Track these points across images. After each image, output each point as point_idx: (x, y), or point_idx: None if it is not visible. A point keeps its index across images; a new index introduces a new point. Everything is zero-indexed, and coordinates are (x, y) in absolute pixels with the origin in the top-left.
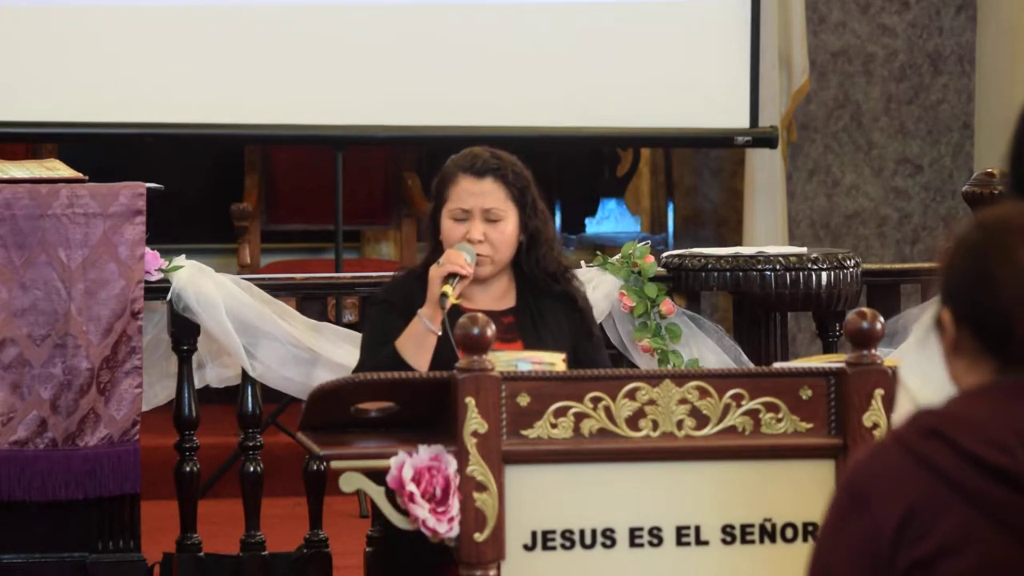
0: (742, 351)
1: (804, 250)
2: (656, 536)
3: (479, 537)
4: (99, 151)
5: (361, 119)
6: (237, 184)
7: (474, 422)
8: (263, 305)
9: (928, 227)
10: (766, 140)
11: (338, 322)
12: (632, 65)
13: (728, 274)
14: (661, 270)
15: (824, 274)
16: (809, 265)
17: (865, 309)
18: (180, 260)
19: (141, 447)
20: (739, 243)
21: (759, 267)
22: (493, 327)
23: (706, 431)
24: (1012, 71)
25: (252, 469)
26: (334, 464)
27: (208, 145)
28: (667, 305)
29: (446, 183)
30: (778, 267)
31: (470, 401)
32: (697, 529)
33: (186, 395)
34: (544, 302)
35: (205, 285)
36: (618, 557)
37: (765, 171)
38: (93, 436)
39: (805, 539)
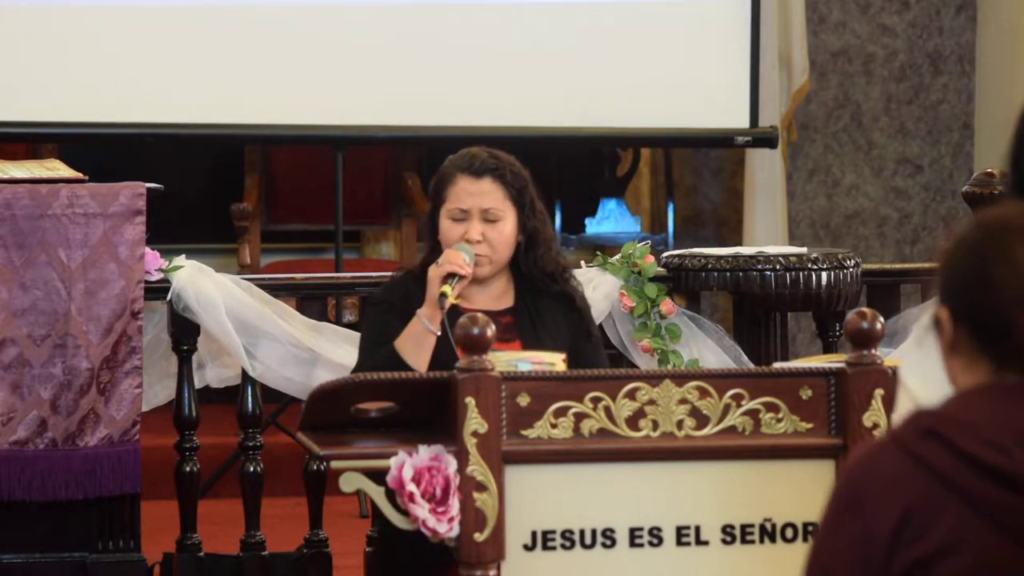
0: (742, 351)
1: (804, 250)
2: (656, 536)
3: (479, 537)
4: (99, 151)
5: (361, 119)
6: (237, 184)
7: (474, 422)
8: (263, 305)
9: (928, 227)
10: (766, 140)
11: (338, 322)
12: (632, 65)
13: (728, 274)
14: (661, 270)
15: (824, 274)
16: (809, 265)
17: (865, 309)
18: (180, 260)
19: (141, 447)
20: (739, 243)
21: (759, 267)
22: (493, 327)
23: (706, 431)
24: (1012, 71)
25: (252, 469)
26: (334, 464)
27: (208, 145)
28: (667, 305)
29: (444, 183)
30: (778, 267)
31: (470, 401)
32: (697, 529)
33: (186, 395)
34: (542, 302)
35: (205, 285)
36: (618, 557)
37: (765, 171)
38: (93, 436)
39: (805, 539)
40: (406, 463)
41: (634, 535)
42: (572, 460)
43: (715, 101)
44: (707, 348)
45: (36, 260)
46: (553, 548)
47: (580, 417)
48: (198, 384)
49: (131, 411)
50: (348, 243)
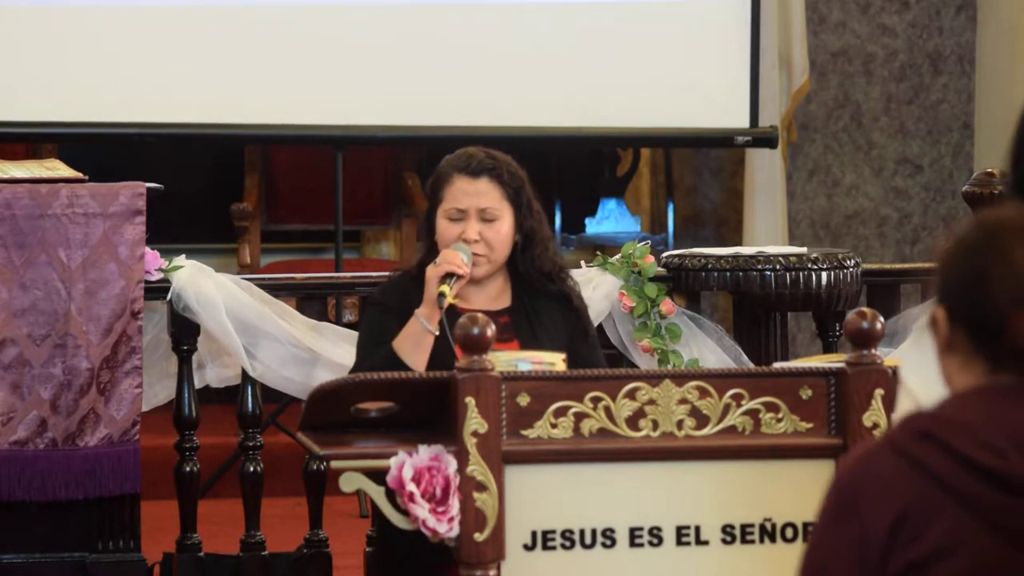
0: (742, 351)
1: (804, 250)
2: (656, 536)
3: (479, 537)
4: (99, 151)
5: (361, 119)
6: (237, 184)
7: (474, 422)
8: (263, 305)
9: (928, 227)
10: (766, 140)
11: (338, 322)
12: (632, 65)
13: (728, 274)
14: (661, 270)
15: (824, 274)
16: (809, 265)
17: (865, 309)
18: (180, 260)
19: (141, 447)
20: (739, 243)
21: (759, 267)
22: (493, 327)
23: (706, 431)
24: (1012, 71)
25: (252, 469)
26: (334, 464)
27: (208, 145)
28: (667, 305)
29: (441, 183)
30: (778, 267)
31: (470, 401)
32: (697, 529)
33: (186, 395)
34: (540, 302)
35: (205, 285)
36: (618, 557)
37: (765, 171)
38: (93, 436)
39: (805, 539)
40: (406, 463)
41: (634, 535)
42: (572, 460)
43: (715, 101)
44: (707, 348)
45: (36, 260)
46: (553, 548)
47: (580, 417)
48: (198, 384)
49: (131, 411)
50: (348, 243)
